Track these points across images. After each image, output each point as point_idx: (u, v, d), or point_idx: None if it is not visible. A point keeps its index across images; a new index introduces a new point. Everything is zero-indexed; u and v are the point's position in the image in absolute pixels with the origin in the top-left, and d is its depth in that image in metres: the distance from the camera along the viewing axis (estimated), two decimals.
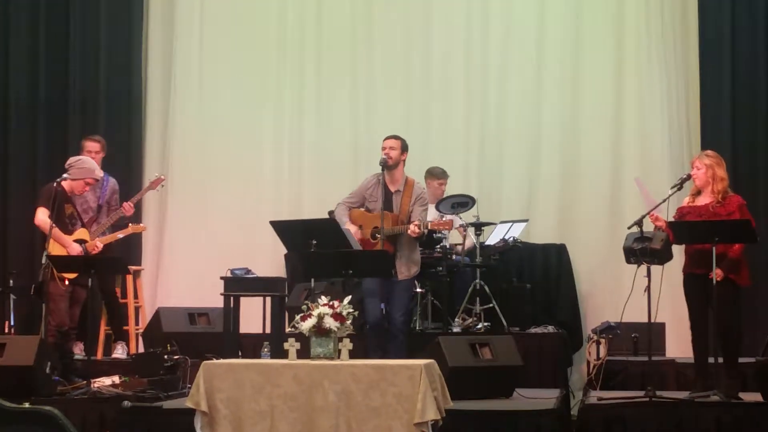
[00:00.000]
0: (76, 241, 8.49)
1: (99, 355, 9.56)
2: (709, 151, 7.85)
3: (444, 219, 8.56)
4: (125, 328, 9.86)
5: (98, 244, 8.66)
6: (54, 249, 8.26)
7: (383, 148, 8.48)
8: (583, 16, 10.75)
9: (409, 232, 8.21)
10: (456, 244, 9.88)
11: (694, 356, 7.70)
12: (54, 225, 8.21)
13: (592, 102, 10.67)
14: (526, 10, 10.85)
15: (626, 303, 8.15)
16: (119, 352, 9.55)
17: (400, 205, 8.41)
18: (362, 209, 8.53)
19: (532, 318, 9.88)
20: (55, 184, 8.39)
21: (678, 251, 8.02)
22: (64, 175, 8.47)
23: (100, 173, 8.87)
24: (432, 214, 9.46)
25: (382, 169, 8.42)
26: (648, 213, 7.73)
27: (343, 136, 10.97)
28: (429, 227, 8.28)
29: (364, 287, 8.32)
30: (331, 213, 8.93)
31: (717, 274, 7.34)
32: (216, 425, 6.17)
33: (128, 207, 9.28)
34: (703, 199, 7.66)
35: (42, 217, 8.41)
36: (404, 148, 8.50)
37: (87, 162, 8.72)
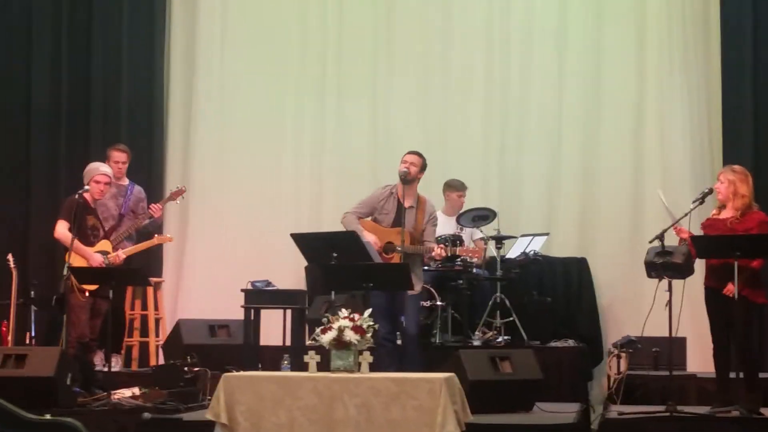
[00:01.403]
0: (97, 252, 8.51)
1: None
2: (735, 167, 7.76)
3: (475, 247, 8.54)
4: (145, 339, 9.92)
5: (121, 255, 8.67)
6: (75, 260, 8.28)
7: (404, 161, 8.48)
8: (604, 27, 10.72)
9: (434, 254, 8.22)
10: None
11: (716, 371, 7.66)
12: (75, 237, 8.23)
13: (612, 114, 10.63)
14: (546, 20, 10.81)
15: (647, 317, 8.08)
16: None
17: (414, 222, 8.40)
18: (370, 219, 8.52)
19: (552, 332, 9.85)
20: (77, 196, 8.43)
21: (699, 265, 7.97)
22: (86, 187, 8.50)
23: (106, 169, 8.76)
24: (450, 226, 9.46)
25: (403, 183, 8.42)
26: (670, 226, 7.69)
27: (362, 147, 10.96)
28: (458, 254, 8.28)
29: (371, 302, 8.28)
30: None
31: (730, 290, 7.29)
32: None
33: (156, 209, 9.25)
34: (727, 214, 7.62)
35: (62, 230, 8.43)
36: (423, 167, 8.51)
37: (90, 164, 8.76)
